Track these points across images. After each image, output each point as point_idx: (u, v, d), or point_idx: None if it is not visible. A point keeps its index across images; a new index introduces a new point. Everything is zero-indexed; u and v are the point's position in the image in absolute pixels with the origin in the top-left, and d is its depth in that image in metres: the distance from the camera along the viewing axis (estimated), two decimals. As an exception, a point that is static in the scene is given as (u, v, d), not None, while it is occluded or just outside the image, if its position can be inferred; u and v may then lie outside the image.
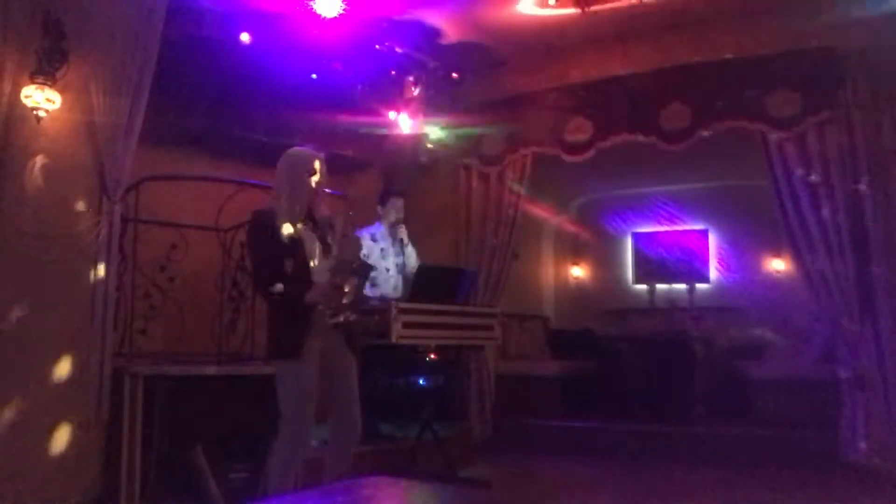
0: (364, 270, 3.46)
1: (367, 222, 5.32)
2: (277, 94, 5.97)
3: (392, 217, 5.26)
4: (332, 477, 3.50)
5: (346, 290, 3.27)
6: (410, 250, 5.32)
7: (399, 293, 5.25)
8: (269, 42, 5.21)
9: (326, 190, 3.52)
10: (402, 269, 5.30)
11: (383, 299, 4.97)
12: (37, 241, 3.90)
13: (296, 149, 3.43)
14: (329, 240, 3.39)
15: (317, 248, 3.34)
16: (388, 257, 5.23)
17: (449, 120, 6.63)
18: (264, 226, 3.25)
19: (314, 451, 3.81)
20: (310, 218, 3.36)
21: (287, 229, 3.23)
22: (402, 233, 5.26)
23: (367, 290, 5.01)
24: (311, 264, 3.30)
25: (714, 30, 5.58)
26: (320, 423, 3.53)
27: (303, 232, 3.31)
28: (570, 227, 9.06)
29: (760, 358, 6.67)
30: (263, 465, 3.77)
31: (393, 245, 5.28)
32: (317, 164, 3.34)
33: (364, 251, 5.09)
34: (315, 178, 3.32)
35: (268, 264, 3.24)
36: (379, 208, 5.35)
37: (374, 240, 5.20)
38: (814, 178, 5.19)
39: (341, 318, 3.31)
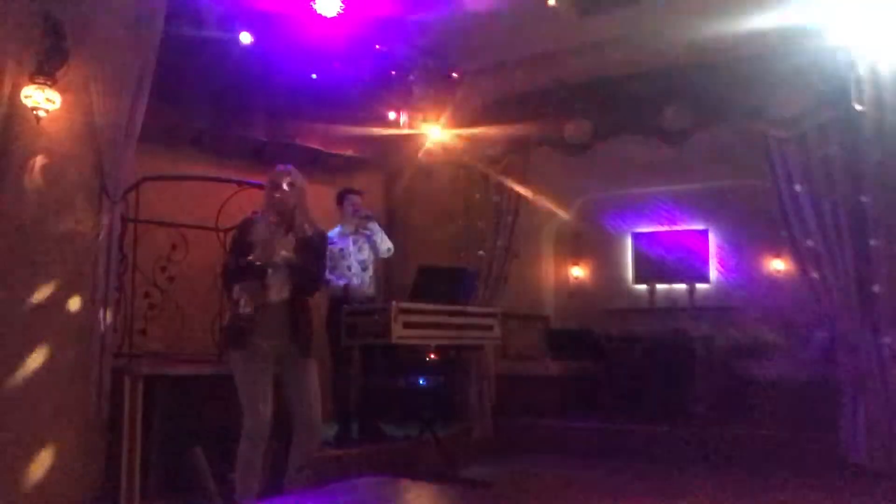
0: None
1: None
2: (277, 94, 5.98)
3: (349, 215, 5.35)
4: (292, 483, 3.55)
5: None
6: (380, 237, 5.39)
7: (368, 287, 5.34)
8: (269, 42, 5.21)
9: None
10: (364, 264, 5.38)
11: (348, 289, 5.13)
12: (37, 241, 3.90)
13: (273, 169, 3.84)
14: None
15: (281, 247, 3.67)
16: (347, 257, 5.31)
17: (449, 120, 6.63)
18: (240, 231, 3.70)
19: (322, 450, 3.83)
20: (287, 224, 3.70)
21: (260, 235, 3.61)
22: (369, 224, 5.35)
23: (333, 278, 5.14)
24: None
25: (713, 29, 5.57)
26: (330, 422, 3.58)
27: (276, 237, 3.65)
28: (570, 227, 9.05)
29: (760, 358, 6.66)
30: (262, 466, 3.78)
31: (355, 244, 5.34)
32: (279, 179, 3.71)
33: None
34: (279, 193, 3.69)
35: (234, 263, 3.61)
36: (340, 209, 5.45)
37: (331, 243, 5.21)
38: (814, 181, 5.20)
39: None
